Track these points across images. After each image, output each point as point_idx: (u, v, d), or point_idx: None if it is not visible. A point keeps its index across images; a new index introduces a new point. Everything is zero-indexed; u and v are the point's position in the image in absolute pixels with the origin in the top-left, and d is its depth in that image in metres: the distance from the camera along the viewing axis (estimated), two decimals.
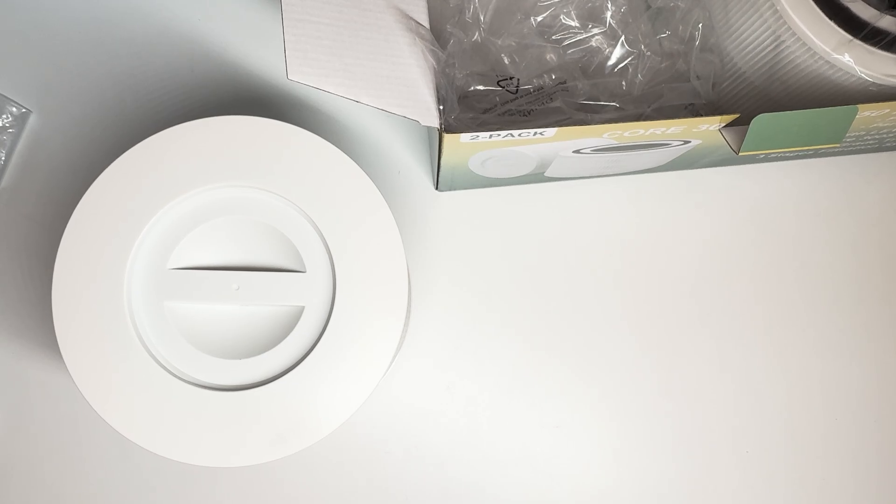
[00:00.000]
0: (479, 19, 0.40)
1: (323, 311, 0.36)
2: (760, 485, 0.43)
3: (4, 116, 0.42)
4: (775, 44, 0.37)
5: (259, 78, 0.45)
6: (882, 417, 0.44)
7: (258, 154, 0.37)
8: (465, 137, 0.34)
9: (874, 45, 0.35)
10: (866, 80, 0.36)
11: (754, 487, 0.43)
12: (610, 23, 0.40)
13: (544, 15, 0.40)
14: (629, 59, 0.40)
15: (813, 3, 0.35)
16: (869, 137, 0.41)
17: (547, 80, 0.41)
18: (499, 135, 0.34)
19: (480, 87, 0.40)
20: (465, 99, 0.40)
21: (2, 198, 0.43)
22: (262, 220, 0.37)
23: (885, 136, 0.41)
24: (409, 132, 0.45)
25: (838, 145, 0.34)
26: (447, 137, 0.35)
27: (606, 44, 0.41)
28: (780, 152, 0.42)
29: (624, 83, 0.40)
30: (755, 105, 0.41)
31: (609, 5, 0.40)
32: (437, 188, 0.44)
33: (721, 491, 0.43)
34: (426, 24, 0.36)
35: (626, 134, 0.35)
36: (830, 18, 0.35)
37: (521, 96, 0.41)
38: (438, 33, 0.38)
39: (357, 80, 0.34)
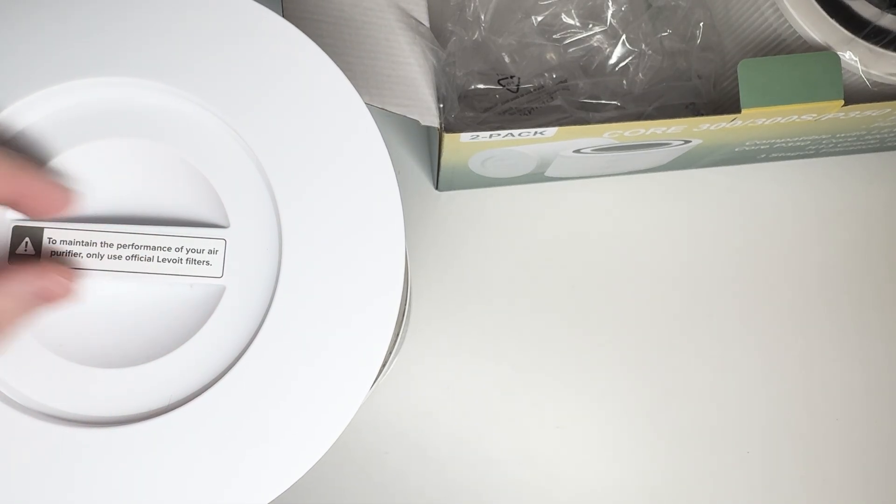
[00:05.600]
0: (479, 18, 0.40)
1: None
2: (761, 485, 0.43)
3: None
4: (776, 42, 0.37)
5: None
6: (883, 418, 0.44)
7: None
8: (465, 137, 0.34)
9: (875, 43, 0.35)
10: (867, 78, 0.36)
11: (755, 488, 0.43)
12: (611, 21, 0.40)
13: (545, 14, 0.40)
14: (630, 57, 0.40)
15: (814, 2, 0.35)
16: (870, 137, 0.41)
17: (547, 79, 0.41)
18: (499, 134, 0.34)
19: (481, 86, 0.40)
20: (466, 98, 0.40)
21: None
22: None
23: (885, 135, 0.41)
24: (409, 132, 0.45)
25: (841, 105, 0.34)
26: (447, 137, 0.34)
27: (607, 42, 0.40)
28: (781, 146, 0.42)
29: (625, 82, 0.40)
30: None
31: (610, 4, 0.40)
32: (437, 188, 0.44)
33: (721, 491, 0.43)
34: (426, 23, 0.36)
35: (626, 133, 0.35)
36: (832, 17, 0.35)
37: (522, 95, 0.40)
38: (439, 32, 0.38)
39: (357, 78, 0.34)
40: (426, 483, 0.42)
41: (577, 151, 0.38)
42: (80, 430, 0.22)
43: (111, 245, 0.23)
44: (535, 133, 0.34)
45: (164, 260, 0.23)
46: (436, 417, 0.43)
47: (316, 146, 0.24)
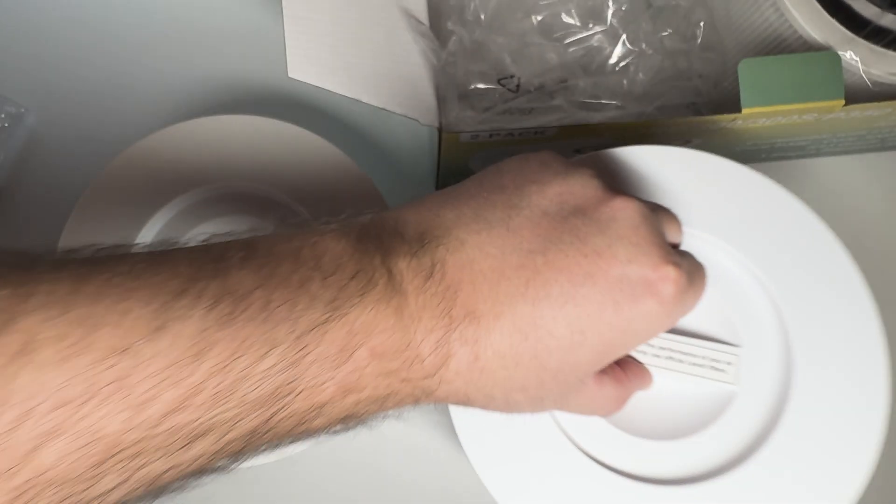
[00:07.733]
0: (479, 18, 0.40)
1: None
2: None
3: (2, 116, 0.42)
4: (777, 41, 0.37)
5: (258, 76, 0.45)
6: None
7: (261, 152, 0.36)
8: (464, 137, 0.34)
9: (876, 43, 0.35)
10: (868, 78, 0.36)
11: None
12: (611, 21, 0.40)
13: (545, 13, 0.40)
14: (630, 57, 0.40)
15: (815, 1, 0.35)
16: (871, 137, 0.41)
17: (548, 79, 0.41)
18: (499, 134, 0.34)
19: (481, 86, 0.40)
20: (466, 97, 0.40)
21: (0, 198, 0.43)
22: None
23: (886, 135, 0.41)
24: (410, 132, 0.45)
25: (842, 105, 0.34)
26: (447, 136, 0.34)
27: (608, 42, 0.40)
28: (781, 146, 0.42)
29: (625, 82, 0.40)
30: None
31: (610, 3, 0.40)
32: (437, 188, 0.44)
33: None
34: (426, 23, 0.36)
35: (626, 133, 0.35)
36: (832, 16, 0.35)
37: (522, 95, 0.40)
38: (439, 31, 0.38)
39: (357, 78, 0.34)
40: (426, 483, 0.42)
41: (577, 151, 0.38)
42: (647, 487, 0.30)
43: (653, 346, 0.31)
44: (535, 133, 0.34)
45: (692, 364, 0.31)
46: (435, 417, 0.43)
47: (827, 293, 0.33)
